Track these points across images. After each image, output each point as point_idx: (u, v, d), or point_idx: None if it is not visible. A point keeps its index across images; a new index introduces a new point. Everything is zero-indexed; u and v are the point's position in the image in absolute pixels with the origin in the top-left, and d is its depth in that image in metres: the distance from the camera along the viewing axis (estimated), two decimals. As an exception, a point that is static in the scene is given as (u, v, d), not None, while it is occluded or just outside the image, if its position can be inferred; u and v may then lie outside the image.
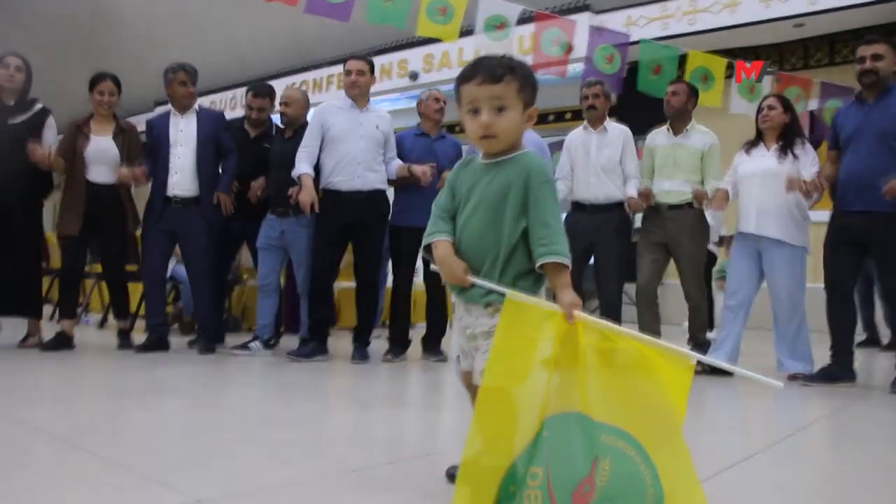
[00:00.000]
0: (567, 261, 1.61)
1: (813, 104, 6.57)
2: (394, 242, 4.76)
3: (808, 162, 4.17)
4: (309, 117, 4.86)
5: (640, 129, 4.88)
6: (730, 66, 6.16)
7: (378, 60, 11.60)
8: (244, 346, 4.71)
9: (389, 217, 4.71)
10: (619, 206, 4.62)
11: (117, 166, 4.59)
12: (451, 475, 1.75)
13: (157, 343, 4.65)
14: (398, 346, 4.71)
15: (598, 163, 4.59)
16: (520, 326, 1.53)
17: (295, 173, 4.46)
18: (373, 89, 4.81)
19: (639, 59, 6.21)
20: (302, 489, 1.75)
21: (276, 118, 5.26)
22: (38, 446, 2.12)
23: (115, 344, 4.75)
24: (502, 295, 1.56)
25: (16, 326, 4.75)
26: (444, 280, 1.70)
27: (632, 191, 4.55)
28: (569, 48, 6.20)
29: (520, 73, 1.65)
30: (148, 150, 4.77)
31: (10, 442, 2.17)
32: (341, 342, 5.12)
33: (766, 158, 4.26)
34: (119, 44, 13.39)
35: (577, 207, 4.68)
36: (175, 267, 5.95)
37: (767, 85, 6.11)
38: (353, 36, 11.38)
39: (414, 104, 5.08)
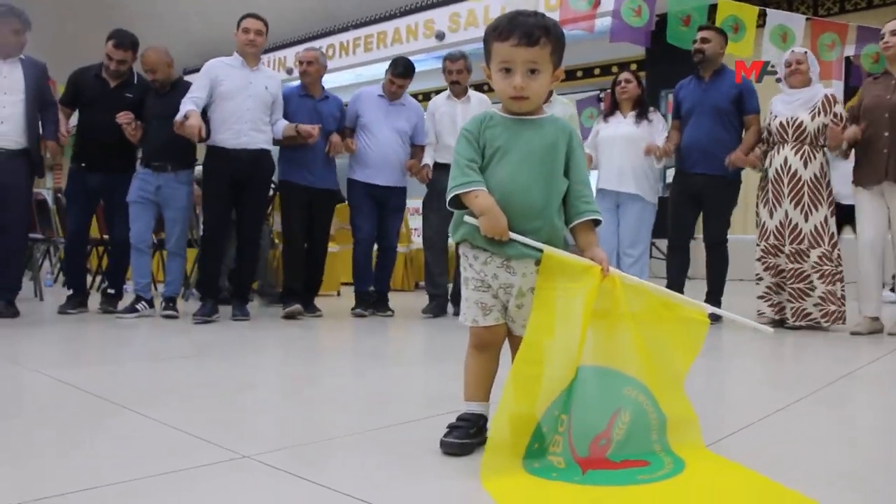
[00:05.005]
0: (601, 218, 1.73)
1: (849, 50, 6.31)
2: (284, 198, 4.85)
3: (660, 128, 4.80)
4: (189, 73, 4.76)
5: (670, 83, 4.85)
6: (762, 15, 6.03)
7: (404, 21, 11.71)
8: (132, 309, 4.58)
9: (275, 176, 4.83)
10: None
11: None
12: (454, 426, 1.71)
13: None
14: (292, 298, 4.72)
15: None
16: (558, 281, 1.59)
17: (181, 113, 4.29)
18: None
19: (668, 11, 6.11)
20: (341, 443, 1.79)
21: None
22: (82, 407, 2.15)
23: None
24: (539, 251, 1.62)
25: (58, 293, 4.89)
26: (484, 232, 1.62)
27: None
28: (596, 2, 6.13)
29: (554, 34, 1.65)
30: None
31: (54, 403, 2.23)
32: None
33: (624, 125, 4.81)
34: (144, 9, 13.46)
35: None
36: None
37: (799, 37, 5.97)
38: (378, -4, 11.31)
39: (440, 64, 5.07)
